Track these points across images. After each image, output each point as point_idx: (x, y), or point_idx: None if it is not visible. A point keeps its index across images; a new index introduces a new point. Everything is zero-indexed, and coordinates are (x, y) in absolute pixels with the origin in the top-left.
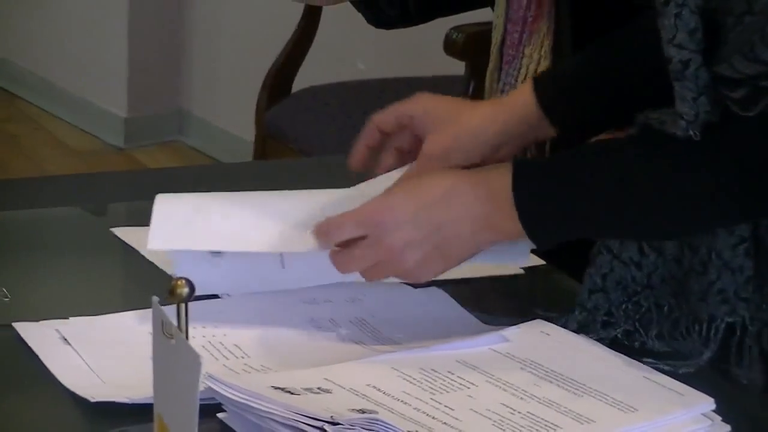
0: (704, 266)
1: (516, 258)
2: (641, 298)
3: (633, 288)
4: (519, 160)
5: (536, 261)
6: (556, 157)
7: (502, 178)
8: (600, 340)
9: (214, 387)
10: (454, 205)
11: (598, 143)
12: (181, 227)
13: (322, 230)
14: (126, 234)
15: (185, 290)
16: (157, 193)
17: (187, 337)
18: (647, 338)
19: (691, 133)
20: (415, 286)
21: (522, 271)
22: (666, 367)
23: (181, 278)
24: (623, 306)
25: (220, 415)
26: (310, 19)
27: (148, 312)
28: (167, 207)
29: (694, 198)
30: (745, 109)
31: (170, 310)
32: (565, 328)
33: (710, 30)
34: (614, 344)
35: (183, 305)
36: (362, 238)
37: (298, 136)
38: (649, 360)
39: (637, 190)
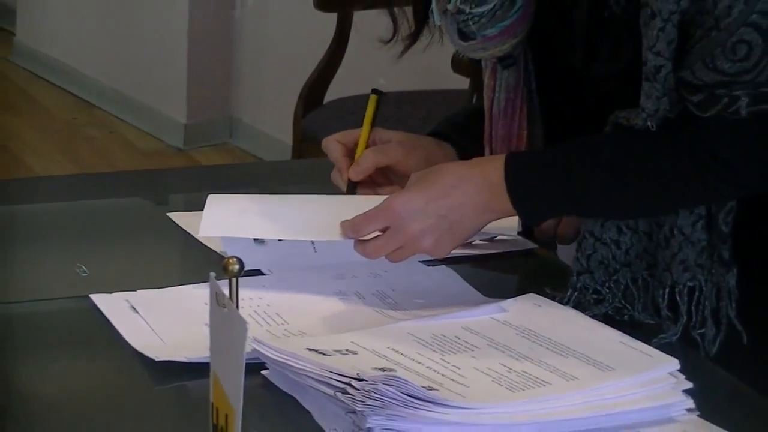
0: (667, 241)
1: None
2: (620, 276)
3: (613, 266)
4: (511, 153)
5: (530, 245)
6: (542, 150)
7: (496, 169)
8: (594, 317)
9: (259, 348)
10: (457, 195)
11: (579, 137)
12: (228, 219)
13: (352, 225)
14: (181, 218)
15: (236, 267)
16: (211, 186)
17: (237, 307)
18: (634, 311)
19: (648, 124)
20: (428, 264)
21: (535, 246)
22: (657, 341)
23: (233, 257)
24: (606, 284)
25: (263, 372)
26: (340, 42)
27: (203, 285)
28: (217, 203)
29: (666, 180)
30: (701, 111)
31: (223, 284)
32: (563, 304)
33: (679, 40)
34: (607, 320)
35: (234, 280)
36: (384, 229)
37: None
38: (638, 335)
39: (613, 173)
